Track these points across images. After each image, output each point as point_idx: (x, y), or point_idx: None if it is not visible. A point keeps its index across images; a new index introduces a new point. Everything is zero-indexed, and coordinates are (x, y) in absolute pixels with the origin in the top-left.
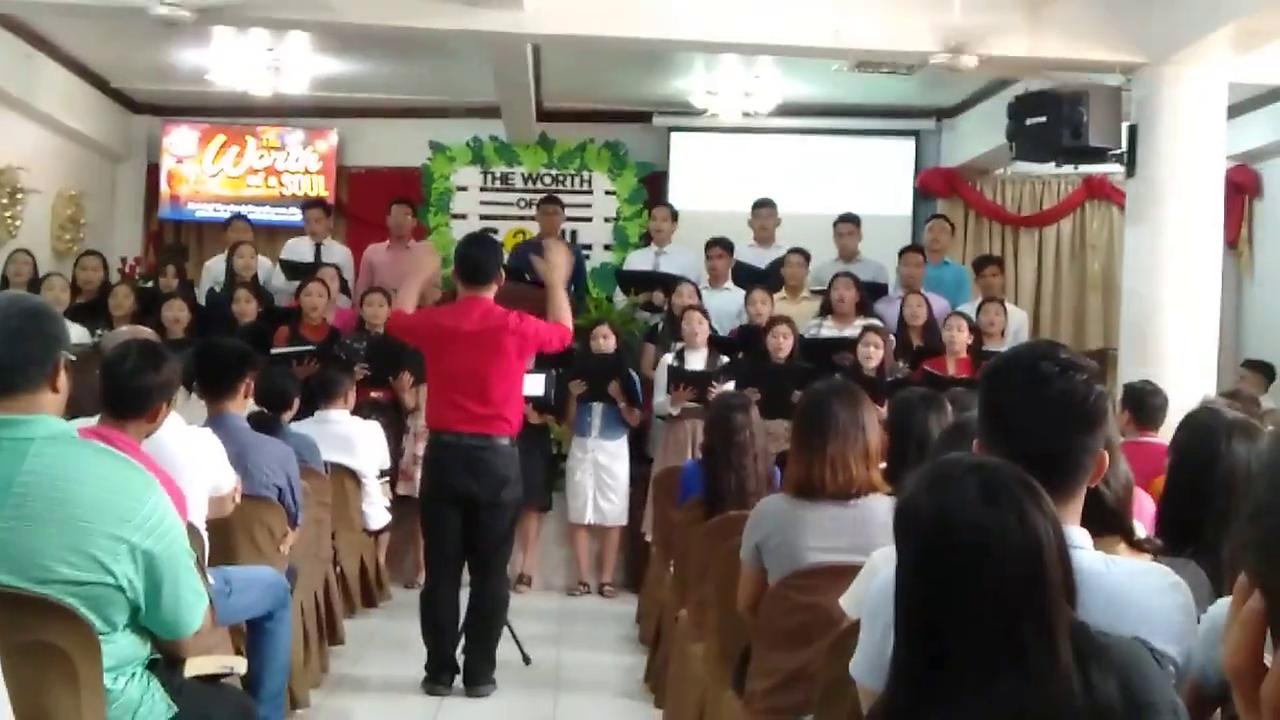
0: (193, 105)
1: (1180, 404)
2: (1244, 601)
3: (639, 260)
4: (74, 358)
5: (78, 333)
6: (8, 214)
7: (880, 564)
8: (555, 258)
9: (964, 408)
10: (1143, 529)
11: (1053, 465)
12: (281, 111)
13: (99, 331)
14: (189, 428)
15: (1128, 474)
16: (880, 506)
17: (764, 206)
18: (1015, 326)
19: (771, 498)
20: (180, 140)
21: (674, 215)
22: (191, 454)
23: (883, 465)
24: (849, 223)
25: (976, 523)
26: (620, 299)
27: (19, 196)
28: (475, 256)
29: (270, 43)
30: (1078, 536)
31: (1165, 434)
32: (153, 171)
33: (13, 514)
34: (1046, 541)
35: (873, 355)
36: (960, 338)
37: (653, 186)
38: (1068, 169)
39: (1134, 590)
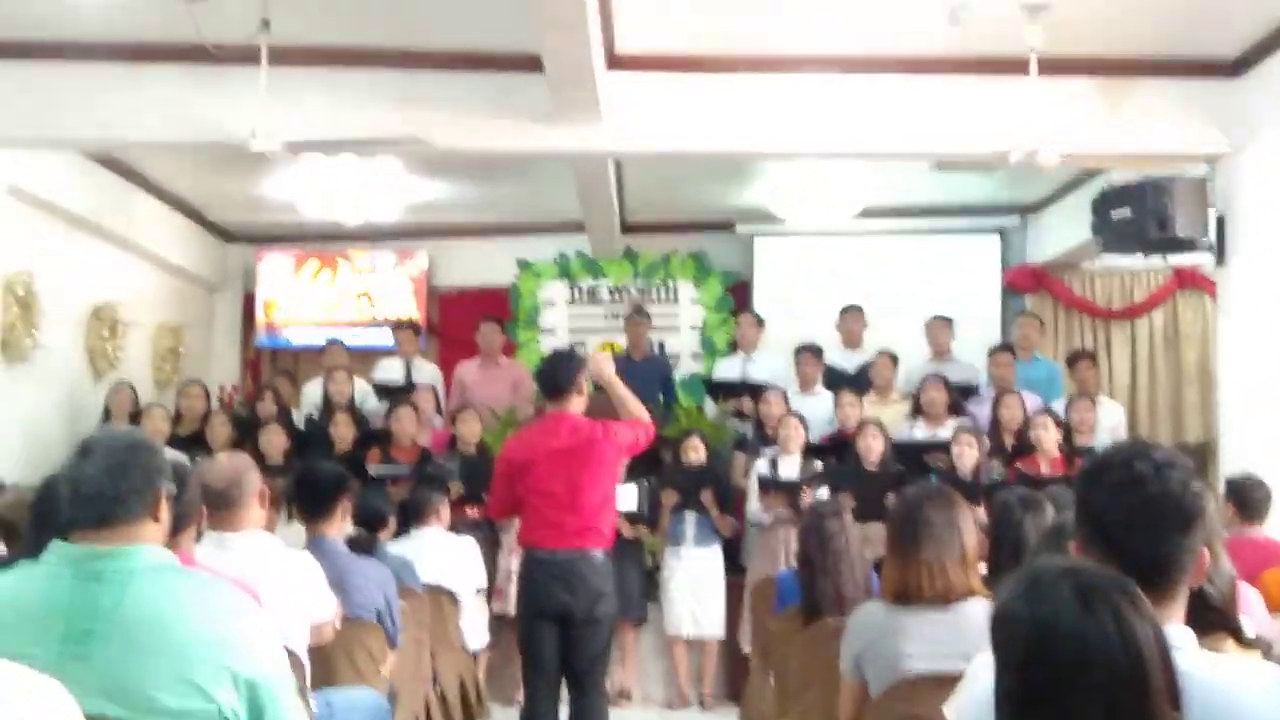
0: (286, 233)
1: None
2: None
3: (726, 368)
4: (174, 488)
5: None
6: (109, 346)
7: (980, 671)
8: (596, 365)
9: (1063, 507)
10: (1250, 625)
11: (1152, 567)
12: (372, 235)
13: (199, 460)
14: (289, 551)
15: (1231, 570)
16: (979, 611)
17: (851, 311)
18: (1113, 422)
19: (868, 605)
20: (274, 268)
21: (760, 322)
22: (292, 579)
23: (982, 568)
24: (940, 321)
25: (1074, 630)
26: (710, 408)
27: (120, 329)
28: (552, 370)
29: (359, 169)
30: (1180, 637)
31: (1270, 527)
32: (249, 300)
33: (118, 645)
34: (1147, 647)
35: (966, 456)
36: (1048, 437)
37: (738, 294)
38: (1156, 260)
39: (1240, 690)
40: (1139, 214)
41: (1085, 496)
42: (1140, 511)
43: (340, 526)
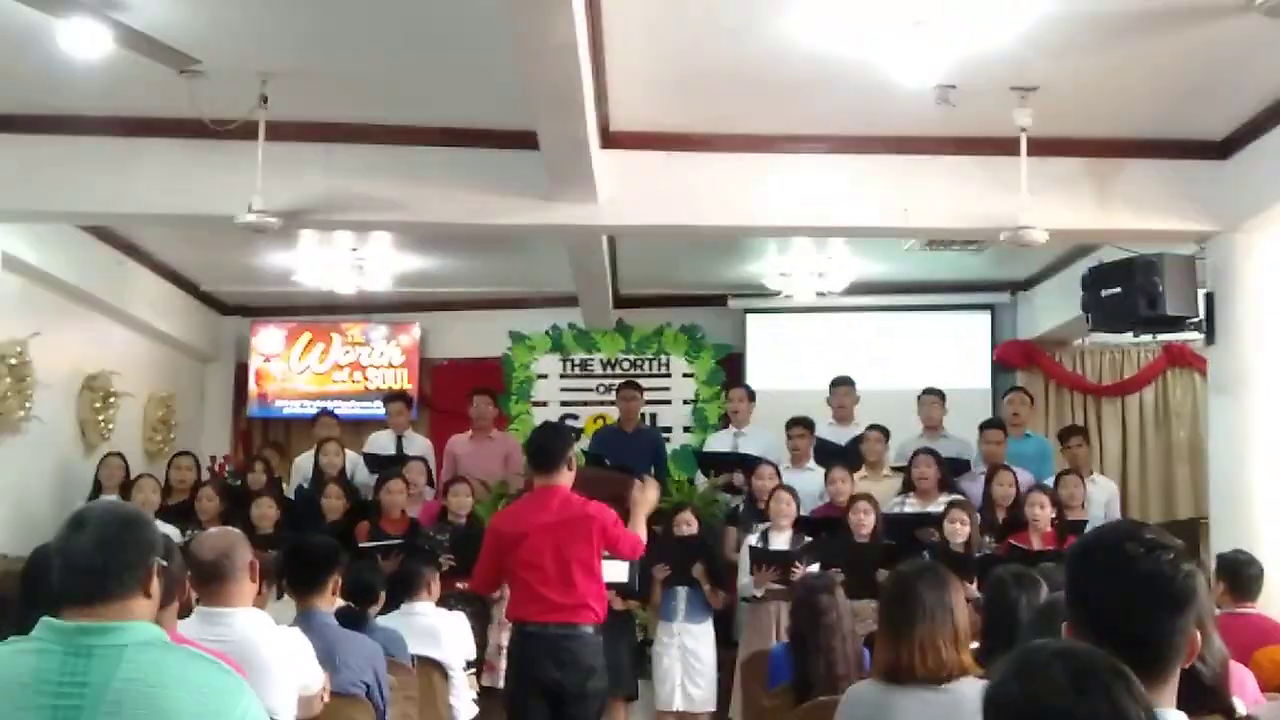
0: (280, 305)
1: (1277, 573)
2: None
3: (718, 442)
4: (165, 563)
5: (170, 534)
6: (101, 417)
7: None
8: (648, 494)
9: (1056, 585)
10: (1242, 706)
11: (1144, 648)
12: (365, 308)
13: (189, 532)
14: (278, 627)
15: (1222, 649)
16: (972, 690)
17: (841, 385)
18: (1105, 498)
19: (861, 685)
20: (268, 339)
21: (751, 395)
22: (281, 653)
23: (975, 645)
24: (933, 395)
25: (1066, 712)
26: (701, 481)
27: (112, 400)
28: (543, 444)
29: (354, 243)
30: (1173, 718)
31: (1263, 604)
32: (241, 371)
33: None
34: None
35: (959, 532)
36: (1043, 514)
37: (730, 368)
38: (1146, 338)
39: None
40: (1128, 292)
41: (1076, 578)
42: (1131, 593)
43: (330, 600)
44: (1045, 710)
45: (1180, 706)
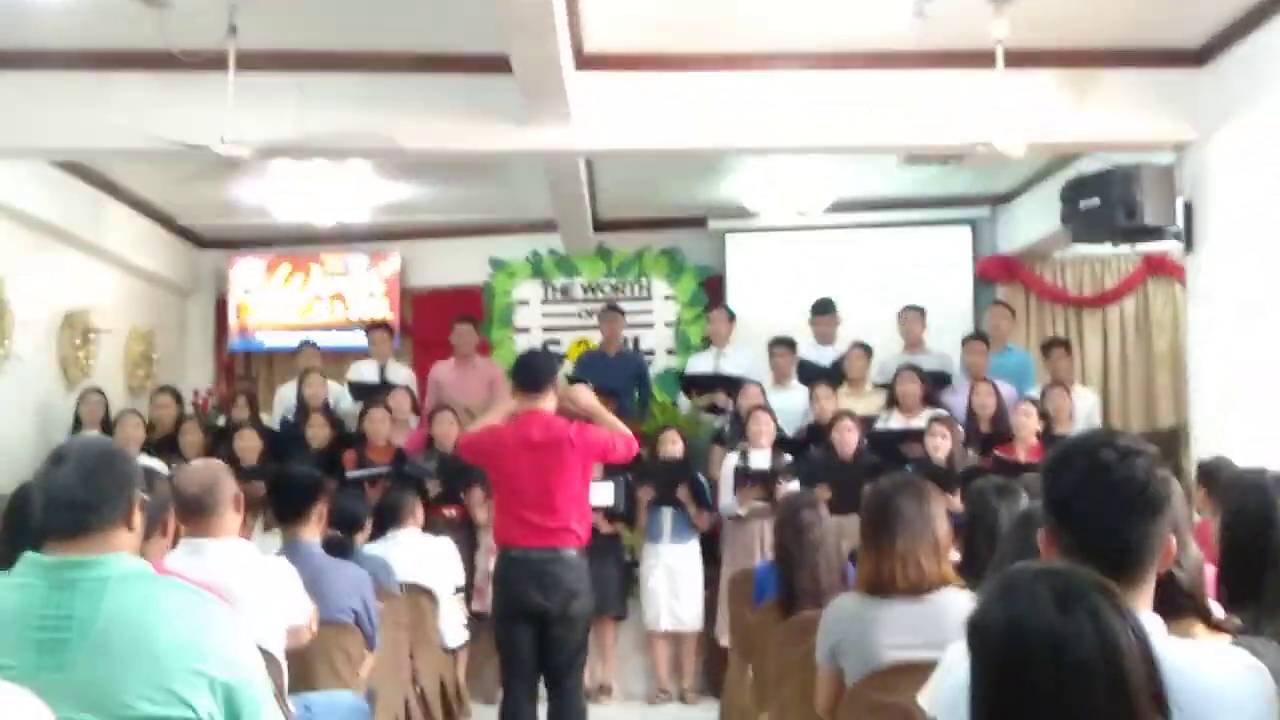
0: (258, 237)
1: None
2: None
3: (700, 363)
4: (147, 496)
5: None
6: (81, 354)
7: (954, 661)
8: (577, 396)
9: (1038, 494)
10: (1219, 609)
11: (1119, 553)
12: (344, 238)
13: (173, 466)
14: (264, 557)
15: (1199, 554)
16: (954, 600)
17: (824, 313)
18: (1087, 409)
19: (843, 597)
20: (246, 272)
21: (731, 316)
22: (267, 583)
23: (957, 557)
24: (913, 311)
25: (1050, 631)
26: (685, 403)
27: (92, 337)
28: (530, 365)
29: (330, 172)
30: (1150, 623)
31: None
32: (221, 304)
33: (93, 653)
34: (1126, 647)
35: (941, 446)
36: (1029, 423)
37: (712, 290)
38: (1126, 248)
39: (1212, 674)
40: (1107, 203)
41: (1051, 485)
42: (1105, 498)
43: (316, 529)
44: (1030, 631)
45: (1157, 611)
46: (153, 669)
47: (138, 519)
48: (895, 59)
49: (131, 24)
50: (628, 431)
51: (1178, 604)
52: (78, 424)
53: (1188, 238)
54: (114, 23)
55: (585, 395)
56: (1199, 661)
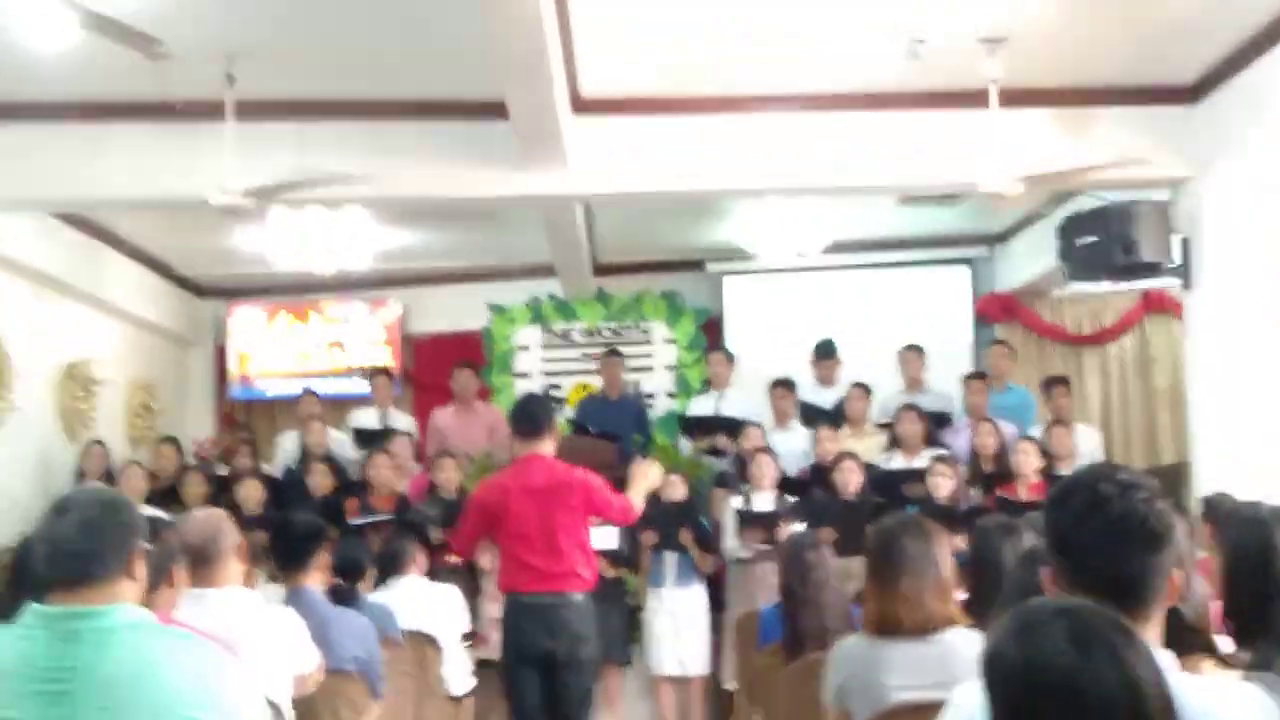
0: (257, 286)
1: None
2: None
3: (700, 406)
4: (150, 546)
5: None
6: (82, 405)
7: (962, 699)
8: (651, 472)
9: (1043, 532)
10: (1227, 644)
11: (1123, 588)
12: (343, 285)
13: (176, 516)
14: (269, 606)
15: (1204, 589)
16: (961, 640)
17: (826, 356)
18: (1090, 447)
19: (850, 638)
20: (246, 321)
21: (730, 358)
22: (272, 632)
23: (963, 596)
24: (913, 350)
25: (1070, 670)
26: (686, 445)
27: (93, 388)
28: (527, 411)
29: (328, 220)
30: (1162, 659)
31: None
32: (221, 353)
33: (96, 704)
34: (1147, 685)
35: (943, 485)
36: (1030, 462)
37: (711, 332)
38: (1124, 285)
39: (1225, 712)
40: (1104, 240)
41: (1053, 521)
42: (1106, 533)
43: (319, 578)
44: (1048, 672)
45: (1166, 647)
46: (155, 719)
47: (140, 568)
48: (890, 100)
49: (130, 74)
50: (639, 509)
51: (1184, 640)
52: (80, 475)
53: (1185, 274)
54: (112, 73)
55: (655, 471)
56: (1214, 698)
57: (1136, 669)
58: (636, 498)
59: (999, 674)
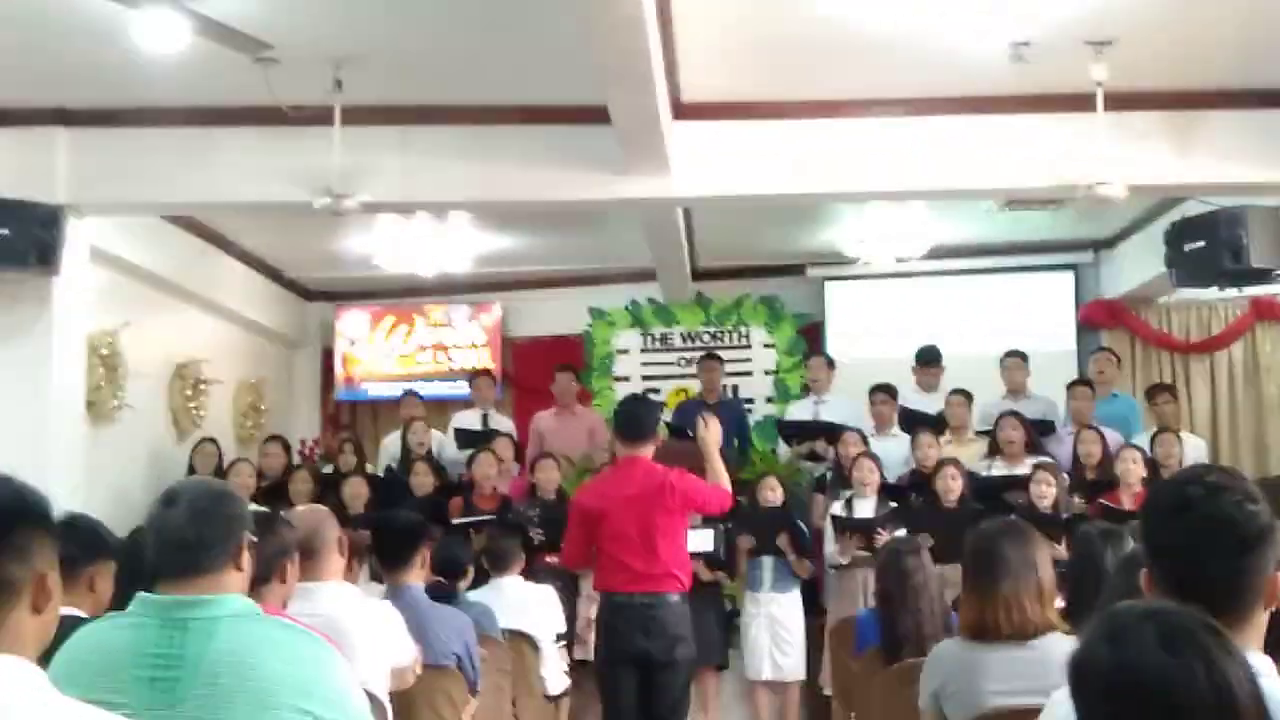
0: (363, 289)
1: None
2: None
3: (798, 411)
4: (256, 539)
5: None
6: (192, 404)
7: (1058, 704)
8: (708, 433)
9: None
10: None
11: (1214, 590)
12: (447, 289)
13: (281, 513)
14: (369, 600)
15: None
16: (1059, 646)
17: (929, 363)
18: (1196, 456)
19: (946, 642)
20: (352, 324)
21: (830, 364)
22: (372, 626)
23: (1062, 603)
24: (1015, 357)
25: (1160, 672)
26: (784, 451)
27: (202, 388)
28: (633, 414)
29: (433, 224)
30: (1259, 663)
31: None
32: (327, 355)
33: (203, 691)
34: (1239, 687)
35: (1046, 494)
36: (1134, 470)
37: (811, 337)
38: (1232, 292)
39: None
40: (1212, 246)
41: (1146, 525)
42: (1193, 535)
43: (420, 575)
44: (1138, 673)
45: (1271, 653)
46: (260, 708)
47: (247, 560)
48: (993, 103)
49: (238, 80)
50: (728, 484)
51: None
52: (191, 473)
53: None
54: (221, 79)
55: (714, 432)
56: None
57: (1227, 671)
58: (721, 471)
59: (1088, 676)
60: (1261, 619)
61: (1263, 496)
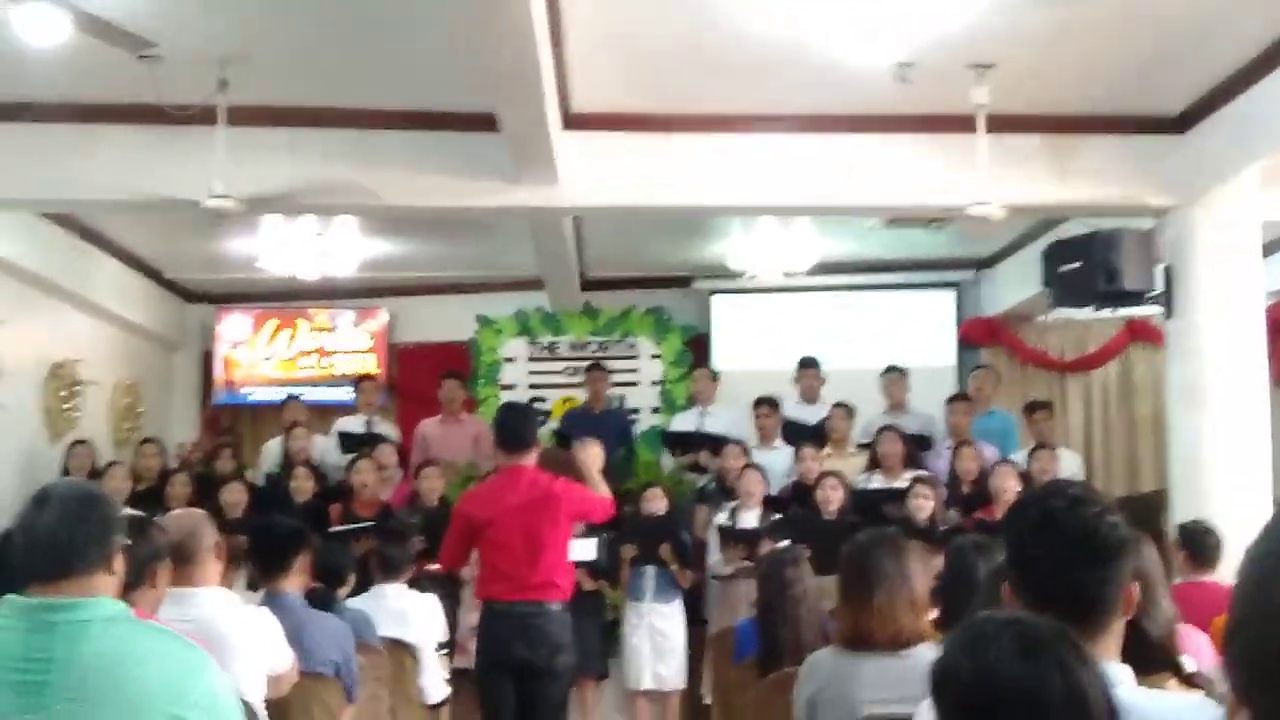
0: (245, 291)
1: (1236, 542)
2: None
3: (683, 422)
4: (129, 541)
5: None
6: (67, 406)
7: (925, 712)
8: (589, 452)
9: None
10: (1192, 663)
11: (1075, 600)
12: (331, 293)
13: (156, 518)
14: (245, 606)
15: (1171, 609)
16: (930, 656)
17: (808, 367)
18: (1070, 472)
19: (821, 651)
20: (234, 326)
21: (714, 376)
22: (248, 632)
23: (936, 613)
24: (895, 372)
25: (1017, 680)
26: (669, 461)
27: (77, 389)
28: (511, 424)
29: (318, 228)
30: (1116, 672)
31: (1223, 573)
32: (207, 358)
33: (72, 695)
34: (1093, 697)
35: (923, 507)
36: (1010, 486)
37: (697, 349)
38: (1108, 312)
39: None
40: (1088, 267)
41: (1008, 537)
42: (1055, 546)
43: (298, 582)
44: (995, 680)
45: (1129, 663)
46: (130, 711)
47: (119, 563)
48: (878, 122)
49: (121, 77)
50: (609, 496)
51: (1148, 656)
52: (65, 475)
53: (1168, 303)
54: (104, 75)
55: (593, 455)
56: (1166, 711)
57: (1082, 679)
58: (602, 488)
59: (948, 684)
60: (1119, 628)
61: (1118, 510)
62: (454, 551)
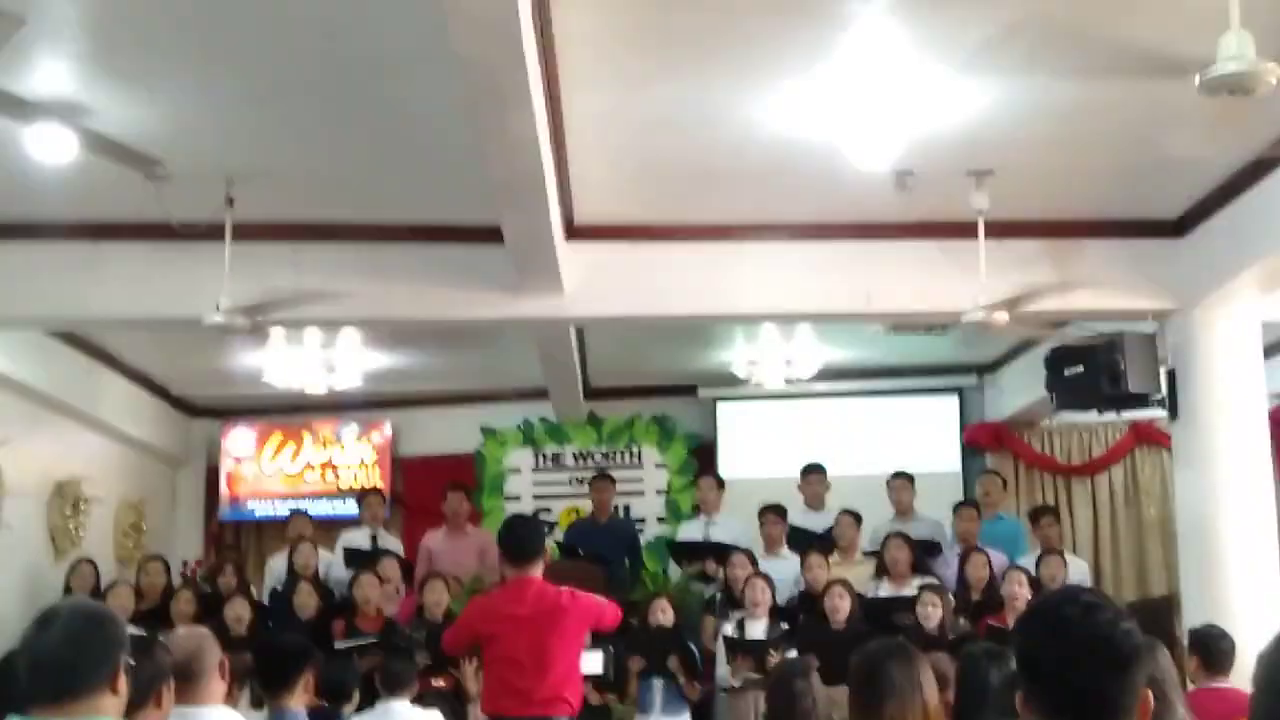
0: (250, 406)
1: (1251, 646)
2: None
3: (689, 531)
4: (133, 661)
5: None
6: (71, 524)
7: None
8: None
9: None
10: None
11: (1088, 709)
12: (336, 406)
13: (160, 636)
14: None
15: (1185, 716)
16: None
17: (812, 473)
18: (1078, 577)
19: None
20: (239, 441)
21: (720, 484)
22: None
23: None
24: (902, 479)
25: None
26: (675, 571)
27: (82, 506)
28: (517, 536)
29: (323, 341)
30: None
31: (1236, 678)
32: (212, 473)
33: None
34: None
35: (931, 615)
36: (1020, 592)
37: (702, 457)
38: (1112, 416)
39: None
40: (1091, 371)
41: (1021, 645)
42: (1069, 653)
43: (302, 699)
44: None
45: None
46: None
47: (123, 683)
48: (879, 229)
49: (128, 194)
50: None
51: None
52: (68, 593)
53: (1172, 405)
54: (111, 194)
55: None
56: None
57: None
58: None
59: None
60: None
61: (1131, 616)
62: (458, 644)
